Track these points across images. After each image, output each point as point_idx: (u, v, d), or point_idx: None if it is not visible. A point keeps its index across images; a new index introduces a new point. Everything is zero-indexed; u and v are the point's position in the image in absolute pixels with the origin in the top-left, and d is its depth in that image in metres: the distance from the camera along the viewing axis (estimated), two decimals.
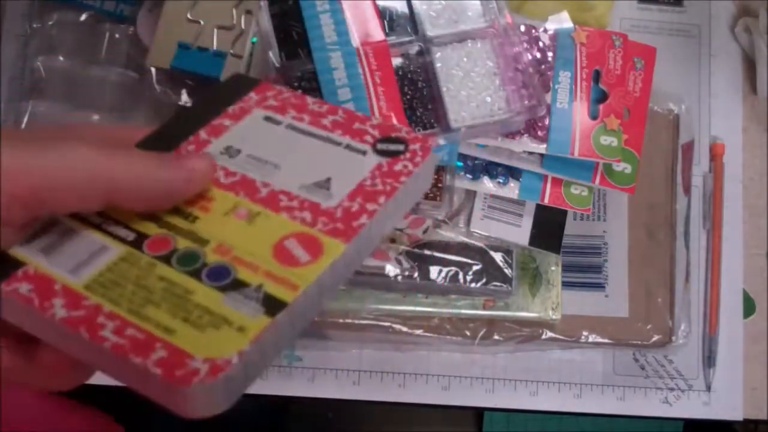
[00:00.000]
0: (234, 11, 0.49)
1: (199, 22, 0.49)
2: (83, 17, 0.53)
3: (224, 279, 0.24)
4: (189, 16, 0.49)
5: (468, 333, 0.49)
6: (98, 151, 0.24)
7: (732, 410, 0.52)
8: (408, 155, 0.29)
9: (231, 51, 0.48)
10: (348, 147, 0.29)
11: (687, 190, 0.53)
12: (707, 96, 0.56)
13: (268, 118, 0.30)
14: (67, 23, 0.53)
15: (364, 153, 0.29)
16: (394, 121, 0.42)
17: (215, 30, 0.49)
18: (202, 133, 0.30)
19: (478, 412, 0.98)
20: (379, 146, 0.29)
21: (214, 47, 0.48)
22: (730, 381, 0.52)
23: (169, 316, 0.23)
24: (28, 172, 0.23)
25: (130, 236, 0.26)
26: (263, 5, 0.44)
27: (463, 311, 0.49)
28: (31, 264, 0.24)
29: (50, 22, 0.53)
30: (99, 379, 0.25)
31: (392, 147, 0.29)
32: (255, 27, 0.48)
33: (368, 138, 0.29)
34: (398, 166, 0.28)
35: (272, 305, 0.23)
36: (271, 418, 0.86)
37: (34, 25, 0.53)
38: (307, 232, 0.26)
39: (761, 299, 0.54)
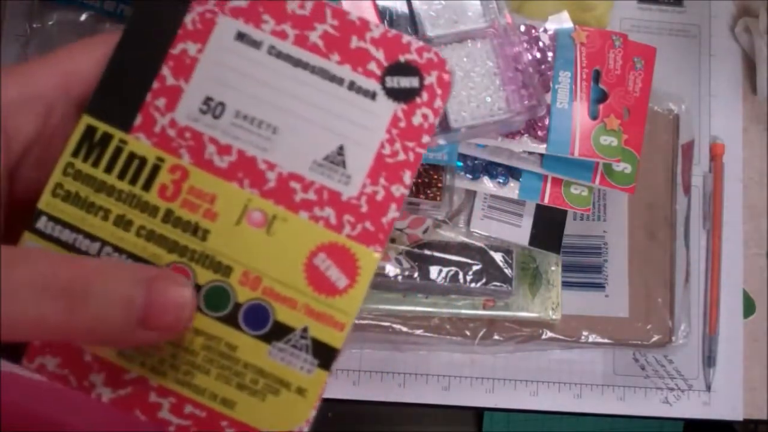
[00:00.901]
0: None
1: None
2: (83, 17, 0.53)
3: (264, 324, 0.21)
4: None
5: (468, 333, 0.49)
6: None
7: (732, 410, 0.52)
8: (425, 95, 0.23)
9: None
10: (352, 86, 0.23)
11: (687, 190, 0.53)
12: (707, 96, 0.56)
13: (241, 36, 0.23)
14: (67, 23, 0.53)
15: (373, 96, 0.23)
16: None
17: None
18: (168, 75, 0.22)
19: (478, 412, 0.98)
20: (389, 82, 0.23)
21: None
22: (730, 381, 0.52)
23: (223, 383, 0.21)
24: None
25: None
26: None
27: (463, 311, 0.49)
28: None
29: (50, 22, 0.53)
30: None
31: (404, 82, 0.23)
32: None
33: (373, 66, 0.23)
34: (417, 118, 0.23)
35: (324, 354, 0.21)
36: None
37: (34, 25, 0.53)
38: (335, 241, 0.22)
39: (761, 299, 0.54)
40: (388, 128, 0.23)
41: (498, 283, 0.48)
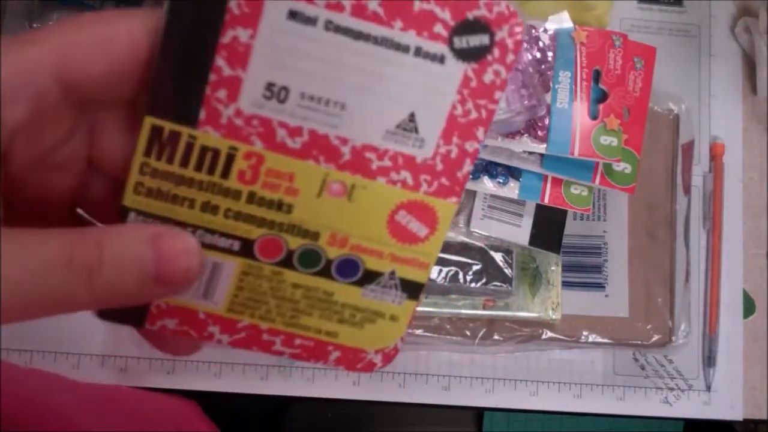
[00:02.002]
0: None
1: None
2: None
3: (356, 273, 0.24)
4: None
5: (468, 333, 0.49)
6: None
7: (732, 410, 0.52)
8: (496, 52, 0.22)
9: None
10: (418, 52, 0.22)
11: (687, 190, 0.53)
12: (707, 96, 0.56)
13: (293, 14, 0.21)
14: None
15: (441, 60, 0.22)
16: None
17: None
18: (224, 65, 0.22)
19: (478, 412, 0.98)
20: (457, 42, 0.22)
21: None
22: (730, 381, 0.52)
23: (325, 320, 0.24)
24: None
25: (235, 245, 0.23)
26: None
27: (463, 311, 0.49)
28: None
29: (50, 22, 0.53)
30: None
31: (474, 40, 0.22)
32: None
33: (439, 28, 0.22)
34: (488, 75, 0.22)
35: (411, 289, 0.24)
36: (271, 418, 0.86)
37: (34, 25, 0.53)
38: (414, 199, 0.24)
39: (761, 299, 0.54)
40: (459, 89, 0.22)
41: (498, 283, 0.48)
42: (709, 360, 0.52)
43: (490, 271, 0.48)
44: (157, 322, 0.24)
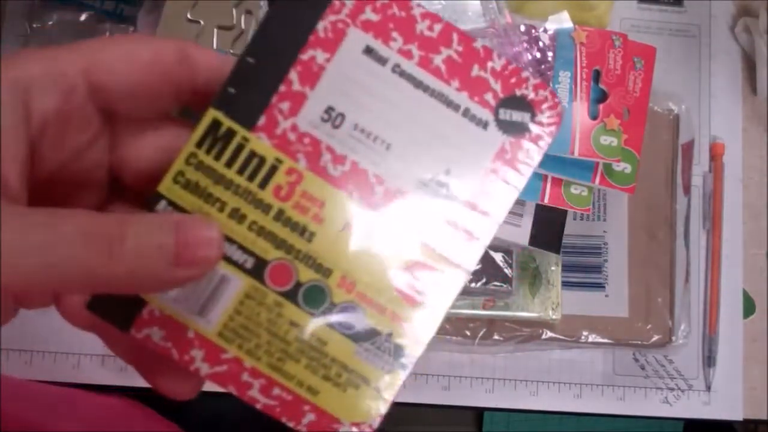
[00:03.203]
0: (234, 11, 0.49)
1: (199, 22, 0.49)
2: (83, 17, 0.53)
3: (355, 325, 0.23)
4: (189, 16, 0.49)
5: (468, 333, 0.49)
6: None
7: (732, 410, 0.52)
8: (534, 131, 0.23)
9: (231, 51, 0.48)
10: (467, 113, 0.23)
11: (687, 190, 0.53)
12: (707, 96, 0.56)
13: (369, 50, 0.23)
14: (67, 23, 0.53)
15: (485, 125, 0.23)
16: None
17: (215, 30, 0.49)
18: (294, 79, 0.23)
19: (478, 412, 0.98)
20: (502, 114, 0.23)
21: (214, 47, 0.48)
22: (730, 381, 0.52)
23: (310, 373, 0.23)
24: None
25: (249, 262, 0.23)
26: (263, 5, 0.44)
27: (463, 311, 0.49)
28: (153, 301, 0.22)
29: (50, 22, 0.53)
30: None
31: (516, 116, 0.23)
32: (255, 27, 0.48)
33: (489, 97, 0.23)
34: (522, 153, 0.23)
35: (401, 357, 0.22)
36: (271, 417, 0.86)
37: (34, 25, 0.53)
38: (428, 257, 0.23)
39: (761, 299, 0.54)
40: (494, 158, 0.23)
41: (498, 283, 0.48)
42: (709, 360, 0.52)
43: (490, 271, 0.48)
44: (144, 329, 0.22)
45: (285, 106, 0.23)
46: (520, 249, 0.49)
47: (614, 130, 0.45)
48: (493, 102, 0.23)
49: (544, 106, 0.23)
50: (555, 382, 0.51)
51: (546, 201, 0.46)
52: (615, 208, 0.52)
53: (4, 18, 0.54)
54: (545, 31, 0.47)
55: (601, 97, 0.45)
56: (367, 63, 0.23)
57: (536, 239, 0.48)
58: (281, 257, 0.23)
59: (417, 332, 0.23)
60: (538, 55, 0.46)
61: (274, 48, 0.23)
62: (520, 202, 0.48)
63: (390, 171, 0.23)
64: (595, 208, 0.52)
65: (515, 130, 0.23)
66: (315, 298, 0.23)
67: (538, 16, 0.48)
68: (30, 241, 0.19)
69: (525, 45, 0.46)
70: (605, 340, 0.50)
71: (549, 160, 0.45)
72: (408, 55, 0.23)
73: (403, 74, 0.23)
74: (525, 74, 0.23)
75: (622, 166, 0.46)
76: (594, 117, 0.45)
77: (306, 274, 0.23)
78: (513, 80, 0.23)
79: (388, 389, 0.22)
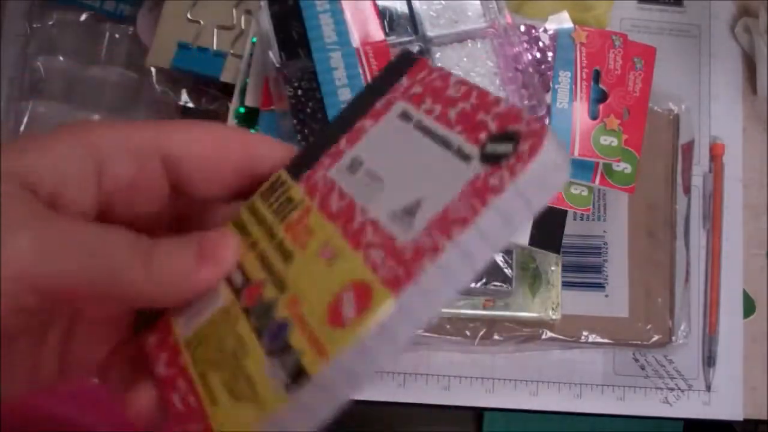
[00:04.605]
0: (234, 11, 0.49)
1: (199, 22, 0.49)
2: (83, 17, 0.54)
3: (279, 341, 0.22)
4: (189, 16, 0.49)
5: (468, 333, 0.49)
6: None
7: (732, 410, 0.52)
8: (512, 160, 0.21)
9: (231, 51, 0.48)
10: (458, 151, 0.23)
11: (687, 190, 0.53)
12: (707, 96, 0.56)
13: (403, 115, 0.25)
14: (67, 23, 0.53)
15: (468, 159, 0.22)
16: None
17: (215, 30, 0.49)
18: (342, 142, 0.26)
19: (478, 412, 0.98)
20: (488, 148, 0.22)
21: (214, 47, 0.48)
22: (730, 381, 0.52)
23: (222, 384, 0.22)
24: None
25: (239, 280, 0.24)
26: (263, 5, 0.44)
27: (463, 311, 0.49)
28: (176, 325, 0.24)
29: (50, 22, 0.53)
30: None
31: (501, 148, 0.22)
32: (255, 27, 0.48)
33: (483, 135, 0.23)
34: (493, 179, 0.21)
35: (297, 377, 0.21)
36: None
37: (34, 25, 0.53)
38: (364, 279, 0.21)
39: (761, 299, 0.54)
40: (465, 187, 0.22)
41: (498, 283, 0.48)
42: (709, 360, 0.52)
43: (490, 271, 0.48)
44: (150, 336, 0.24)
45: (327, 161, 0.25)
46: (520, 249, 0.49)
47: (614, 130, 0.45)
48: (484, 138, 0.23)
49: (530, 136, 0.22)
50: (555, 382, 0.51)
51: None
52: (615, 208, 0.52)
53: (4, 18, 0.54)
54: (545, 31, 0.47)
55: (601, 97, 0.45)
56: (398, 123, 0.25)
57: (536, 239, 0.48)
58: (262, 278, 0.23)
59: (322, 350, 0.21)
60: (538, 55, 0.46)
61: (341, 116, 0.26)
62: None
63: (374, 204, 0.23)
64: (595, 208, 0.52)
65: (495, 159, 0.22)
66: (263, 313, 0.23)
67: (538, 16, 0.48)
68: (76, 240, 0.21)
69: (525, 45, 0.46)
70: (605, 340, 0.50)
71: None
72: (430, 112, 0.24)
73: (421, 127, 0.24)
74: (525, 114, 0.23)
75: (622, 166, 0.46)
76: (594, 117, 0.45)
77: (270, 292, 0.23)
78: (510, 119, 0.23)
79: (265, 407, 0.21)
